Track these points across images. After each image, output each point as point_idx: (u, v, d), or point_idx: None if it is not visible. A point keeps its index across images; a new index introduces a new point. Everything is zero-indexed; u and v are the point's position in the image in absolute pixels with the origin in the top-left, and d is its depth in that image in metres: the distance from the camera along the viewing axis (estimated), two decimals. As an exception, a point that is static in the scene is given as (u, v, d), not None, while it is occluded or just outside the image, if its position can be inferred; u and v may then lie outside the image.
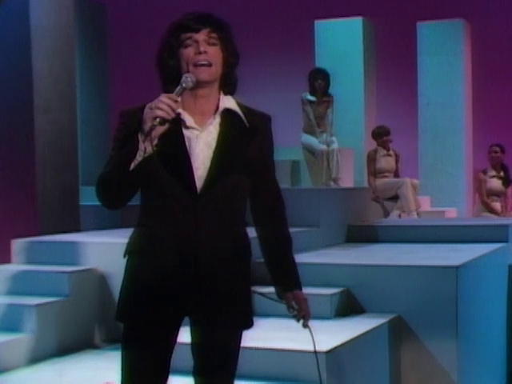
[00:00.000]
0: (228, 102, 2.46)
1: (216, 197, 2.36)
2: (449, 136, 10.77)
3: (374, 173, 8.84)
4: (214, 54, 2.40)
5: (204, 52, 2.36)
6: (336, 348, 3.71)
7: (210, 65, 2.38)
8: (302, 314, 2.58)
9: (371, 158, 8.90)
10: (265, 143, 2.49)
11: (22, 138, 6.09)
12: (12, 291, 4.62)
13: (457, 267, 4.51)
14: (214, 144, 2.38)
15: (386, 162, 8.91)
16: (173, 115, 2.26)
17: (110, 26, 10.66)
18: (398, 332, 4.48)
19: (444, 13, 10.91)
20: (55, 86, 6.30)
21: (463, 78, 10.89)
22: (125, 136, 2.34)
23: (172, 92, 2.33)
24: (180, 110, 2.36)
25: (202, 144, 2.38)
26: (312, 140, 8.67)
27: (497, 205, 9.08)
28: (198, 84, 2.37)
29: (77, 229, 6.24)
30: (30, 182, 6.08)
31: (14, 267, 4.89)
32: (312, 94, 8.68)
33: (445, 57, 10.81)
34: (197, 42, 2.37)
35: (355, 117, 10.08)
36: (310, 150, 8.72)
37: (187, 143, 2.36)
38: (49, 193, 6.14)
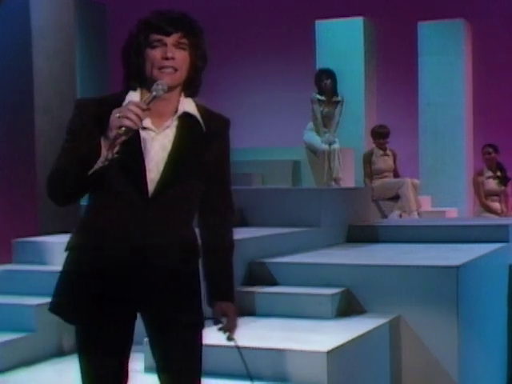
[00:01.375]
0: (188, 106, 2.39)
1: (167, 200, 2.32)
2: (449, 136, 10.77)
3: (370, 174, 8.81)
4: (181, 59, 2.32)
5: (171, 58, 2.29)
6: (337, 348, 3.71)
7: (175, 70, 2.31)
8: (229, 325, 2.52)
9: (367, 160, 8.86)
10: (222, 147, 2.45)
11: (23, 138, 6.09)
12: (12, 291, 4.61)
13: (457, 267, 4.50)
14: (169, 147, 2.33)
15: (383, 162, 8.89)
16: (140, 125, 2.19)
17: (110, 26, 10.66)
18: (399, 332, 4.48)
19: (445, 13, 10.90)
20: (56, 85, 6.29)
21: (464, 78, 10.89)
22: (78, 129, 2.30)
23: (133, 88, 2.33)
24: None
25: (158, 146, 2.33)
26: (315, 139, 8.68)
27: (496, 205, 9.07)
28: None
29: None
30: (30, 182, 6.07)
31: (15, 267, 4.89)
32: (321, 93, 8.70)
33: (445, 57, 10.81)
34: (165, 45, 2.30)
35: (356, 117, 10.08)
36: (311, 149, 8.72)
37: (142, 144, 2.31)
38: (49, 193, 6.12)
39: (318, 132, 8.68)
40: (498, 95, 11.22)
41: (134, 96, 2.35)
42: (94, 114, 2.30)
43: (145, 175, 2.30)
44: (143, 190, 2.30)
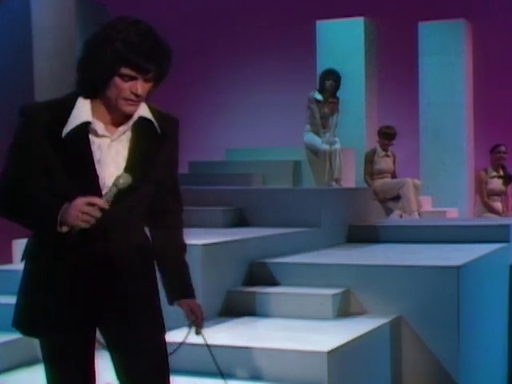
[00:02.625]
0: (141, 110, 2.34)
1: (124, 207, 2.29)
2: (450, 136, 10.76)
3: (372, 173, 8.83)
4: (147, 90, 2.28)
5: (141, 94, 2.25)
6: (337, 348, 3.71)
7: (140, 101, 2.29)
8: (197, 321, 2.51)
9: (369, 159, 8.87)
10: (172, 148, 2.43)
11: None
12: (12, 291, 4.60)
13: (458, 267, 4.50)
14: (124, 152, 2.31)
15: (385, 163, 8.90)
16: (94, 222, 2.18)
17: (111, 26, 10.65)
18: (400, 332, 4.48)
19: (445, 13, 10.90)
20: (56, 86, 6.29)
21: (464, 78, 10.89)
22: (27, 140, 2.27)
23: (85, 96, 2.28)
24: (91, 120, 2.28)
25: (114, 152, 2.30)
26: (315, 140, 8.67)
27: (498, 205, 9.06)
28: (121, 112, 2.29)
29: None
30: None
31: (15, 267, 4.89)
32: (321, 93, 8.69)
33: (446, 57, 10.80)
34: (136, 79, 2.24)
35: (357, 117, 10.08)
36: (312, 150, 8.72)
37: (98, 151, 2.28)
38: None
39: (317, 132, 8.68)
40: (499, 95, 11.21)
41: (83, 102, 2.30)
42: (43, 122, 2.26)
43: (97, 182, 2.26)
44: (99, 196, 2.23)
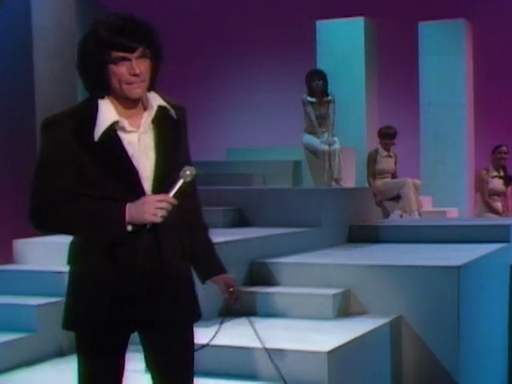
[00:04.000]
0: (157, 99, 2.42)
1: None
2: (450, 136, 10.76)
3: (374, 173, 8.84)
4: (145, 69, 2.33)
5: (139, 73, 2.30)
6: (337, 348, 3.71)
7: (143, 81, 2.34)
8: (235, 294, 2.60)
9: (372, 159, 8.89)
10: (184, 133, 2.50)
11: (24, 139, 6.09)
12: (13, 291, 4.61)
13: (458, 267, 4.50)
14: (152, 144, 2.38)
15: (386, 163, 8.91)
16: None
17: (111, 26, 10.65)
18: (400, 332, 4.47)
19: (446, 13, 10.89)
20: (57, 86, 6.30)
21: (465, 78, 10.88)
22: (56, 155, 2.30)
23: (100, 96, 2.34)
24: (118, 119, 2.34)
25: (143, 145, 2.37)
26: (314, 140, 8.67)
27: (498, 204, 9.07)
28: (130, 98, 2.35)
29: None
30: (30, 182, 6.07)
31: (16, 267, 4.89)
32: (311, 95, 8.69)
33: (446, 57, 10.80)
34: (129, 60, 2.30)
35: (357, 117, 10.08)
36: (311, 151, 8.72)
37: (129, 147, 2.34)
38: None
39: (314, 134, 8.68)
40: (499, 95, 11.21)
41: (105, 104, 2.35)
42: (69, 131, 2.30)
43: (138, 177, 2.33)
44: (139, 190, 2.32)
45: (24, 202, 6.68)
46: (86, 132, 2.29)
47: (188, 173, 2.30)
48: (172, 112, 2.43)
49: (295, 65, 11.65)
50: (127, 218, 2.25)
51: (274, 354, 3.72)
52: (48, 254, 4.93)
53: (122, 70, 2.30)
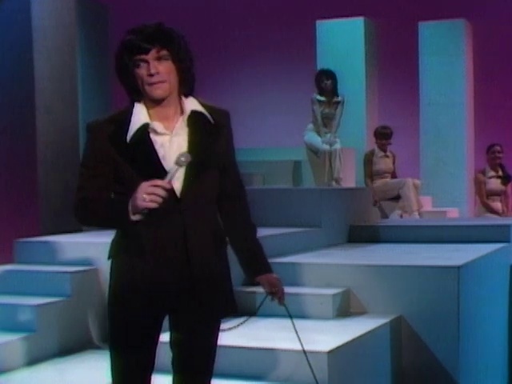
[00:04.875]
0: (192, 104, 2.53)
1: (196, 195, 2.47)
2: (450, 136, 10.76)
3: (371, 174, 8.82)
4: (166, 70, 2.43)
5: (156, 73, 2.41)
6: (337, 348, 3.71)
7: (163, 82, 2.43)
8: (279, 293, 2.69)
9: (368, 160, 8.86)
10: (228, 137, 2.61)
11: (24, 138, 6.09)
12: (13, 291, 4.61)
13: (458, 267, 4.50)
14: (185, 145, 2.47)
15: (384, 163, 8.89)
16: (161, 202, 2.32)
17: (111, 26, 10.66)
18: (400, 332, 4.47)
19: (445, 13, 10.90)
20: (57, 85, 6.30)
21: (465, 78, 10.89)
22: (94, 155, 2.46)
23: (137, 100, 2.47)
24: (149, 121, 2.46)
25: (175, 147, 2.46)
26: (315, 139, 8.67)
27: (497, 204, 9.06)
28: (157, 99, 2.45)
29: (79, 229, 6.23)
30: (31, 182, 6.08)
31: (16, 267, 4.89)
32: (321, 94, 8.69)
33: (446, 57, 10.80)
34: (147, 62, 2.41)
35: (357, 117, 10.08)
36: (312, 150, 8.72)
37: (161, 149, 2.45)
38: (50, 193, 6.13)
39: (318, 132, 8.68)
40: (499, 95, 11.21)
41: (139, 108, 2.48)
42: (106, 134, 2.45)
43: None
44: (172, 190, 2.40)
45: (25, 201, 6.72)
46: (120, 134, 2.43)
47: (183, 159, 2.35)
48: (208, 116, 2.52)
49: (295, 65, 11.67)
50: (129, 207, 2.33)
51: (273, 353, 3.73)
52: (48, 254, 4.94)
53: (142, 72, 2.42)
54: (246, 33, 12.50)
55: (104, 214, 2.45)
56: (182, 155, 2.36)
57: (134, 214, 2.33)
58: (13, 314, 4.28)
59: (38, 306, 4.26)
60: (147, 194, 2.29)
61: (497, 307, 5.42)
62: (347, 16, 10.45)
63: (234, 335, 3.95)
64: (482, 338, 5.01)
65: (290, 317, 2.72)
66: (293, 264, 4.94)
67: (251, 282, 2.70)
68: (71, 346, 4.40)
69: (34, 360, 4.12)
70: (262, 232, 5.38)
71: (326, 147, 8.52)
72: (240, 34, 12.51)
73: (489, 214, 8.96)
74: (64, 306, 4.45)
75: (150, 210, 2.32)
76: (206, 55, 12.47)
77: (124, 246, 2.51)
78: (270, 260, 5.12)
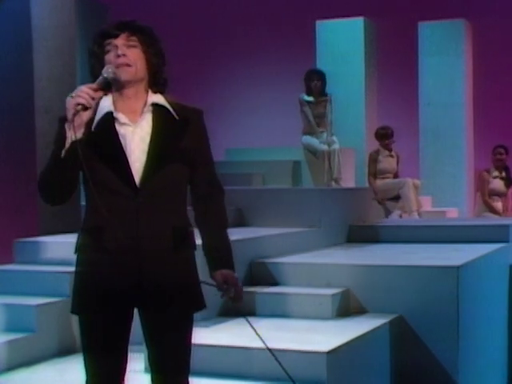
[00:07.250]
0: (156, 98, 2.58)
1: (155, 188, 2.48)
2: (450, 136, 10.76)
3: (375, 174, 8.84)
4: (133, 55, 2.53)
5: (123, 55, 2.51)
6: (337, 348, 3.71)
7: (129, 65, 2.52)
8: (234, 294, 2.64)
9: (373, 159, 8.88)
10: (198, 134, 2.63)
11: (23, 138, 6.08)
12: (13, 291, 4.62)
13: (458, 267, 4.50)
14: (148, 138, 2.52)
15: (388, 163, 8.91)
16: (92, 103, 2.40)
17: (111, 26, 10.65)
18: (399, 332, 4.47)
19: (445, 13, 10.90)
20: (56, 85, 6.29)
21: (464, 78, 10.88)
22: (59, 139, 2.48)
23: (105, 94, 2.53)
24: (113, 110, 2.53)
25: (137, 139, 2.52)
26: (313, 140, 8.67)
27: (498, 204, 9.08)
28: (123, 84, 2.54)
29: (78, 229, 6.23)
30: (30, 182, 6.07)
31: (15, 267, 4.89)
32: (309, 94, 8.70)
33: (446, 57, 10.80)
34: (116, 46, 2.52)
35: (356, 117, 10.07)
36: (311, 151, 8.72)
37: (123, 140, 2.51)
38: (50, 193, 6.10)
39: (313, 134, 8.68)
40: (499, 95, 11.21)
41: (106, 99, 2.56)
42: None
43: (129, 167, 2.48)
44: (130, 180, 2.46)
45: (24, 201, 6.71)
46: (88, 123, 2.46)
47: (110, 70, 2.47)
48: (172, 112, 2.56)
49: (295, 65, 11.65)
50: (66, 128, 2.40)
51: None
52: (48, 254, 4.94)
53: (110, 55, 2.53)
54: (245, 33, 12.49)
55: (49, 161, 2.50)
56: (109, 67, 2.48)
57: (70, 121, 2.36)
58: (13, 313, 4.28)
59: (38, 305, 4.26)
60: (72, 98, 2.37)
61: (496, 307, 5.43)
62: (347, 16, 10.45)
63: (234, 335, 3.96)
64: (482, 338, 5.01)
65: (246, 319, 2.70)
66: (292, 264, 4.94)
67: (211, 276, 2.65)
68: (71, 346, 4.40)
69: (33, 360, 4.12)
70: (262, 232, 5.41)
71: (325, 147, 8.51)
72: (240, 34, 12.51)
73: (489, 213, 8.98)
74: (64, 306, 4.44)
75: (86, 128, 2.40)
76: (205, 55, 12.48)
77: (82, 241, 2.57)
78: (270, 260, 5.14)
